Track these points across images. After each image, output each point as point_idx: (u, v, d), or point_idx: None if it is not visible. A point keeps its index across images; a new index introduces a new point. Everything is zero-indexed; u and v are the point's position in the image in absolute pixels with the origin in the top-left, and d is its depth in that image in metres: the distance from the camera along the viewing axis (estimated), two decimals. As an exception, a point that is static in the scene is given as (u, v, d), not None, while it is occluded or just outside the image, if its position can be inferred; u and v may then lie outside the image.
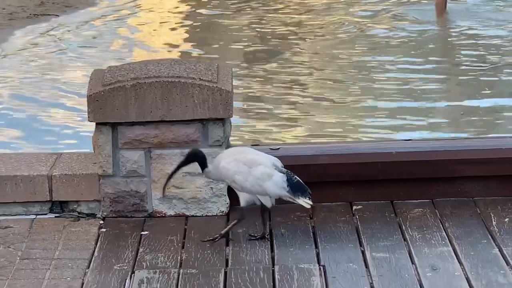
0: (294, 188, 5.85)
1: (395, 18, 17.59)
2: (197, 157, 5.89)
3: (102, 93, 6.30)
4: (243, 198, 5.99)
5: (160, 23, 17.88)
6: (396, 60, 14.11)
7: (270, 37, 16.56)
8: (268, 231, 6.02)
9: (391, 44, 15.43)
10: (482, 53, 14.77)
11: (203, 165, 5.88)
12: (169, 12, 18.68)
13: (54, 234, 6.14)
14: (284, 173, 5.88)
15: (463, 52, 15.17)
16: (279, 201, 6.21)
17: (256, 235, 5.99)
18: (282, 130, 11.18)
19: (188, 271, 5.58)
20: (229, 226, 6.00)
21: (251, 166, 5.86)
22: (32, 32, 16.46)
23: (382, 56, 14.62)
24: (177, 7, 19.02)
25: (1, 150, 9.65)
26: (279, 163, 5.95)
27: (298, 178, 5.91)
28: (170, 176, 6.01)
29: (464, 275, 5.46)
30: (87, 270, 5.63)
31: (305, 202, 5.91)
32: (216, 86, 6.32)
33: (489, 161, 6.60)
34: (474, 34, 16.19)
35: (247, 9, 18.40)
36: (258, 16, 18.18)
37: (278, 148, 6.97)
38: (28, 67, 14.28)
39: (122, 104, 6.28)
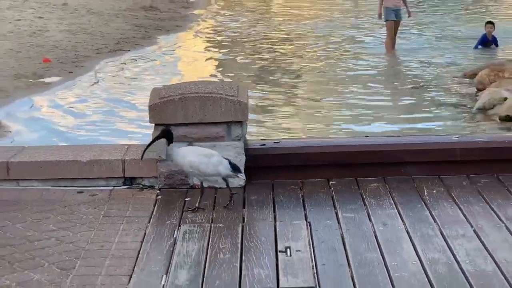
0: (234, 168, 5.90)
1: (351, 53, 17.67)
2: (168, 134, 5.90)
3: (159, 103, 6.29)
4: (196, 180, 6.11)
5: (198, 57, 18.03)
6: (356, 86, 14.21)
7: (268, 63, 16.68)
8: (199, 204, 5.93)
9: (346, 74, 15.50)
10: (418, 79, 14.83)
11: (170, 140, 5.89)
12: (203, 50, 18.89)
13: (126, 200, 6.14)
14: (227, 159, 5.92)
15: (406, 77, 15.23)
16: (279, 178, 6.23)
17: (191, 208, 5.92)
18: (282, 128, 11.23)
19: (217, 225, 5.57)
20: (229, 193, 6.01)
21: (210, 157, 5.88)
22: (111, 61, 16.53)
23: (346, 82, 14.75)
24: (207, 48, 19.26)
25: (91, 142, 9.71)
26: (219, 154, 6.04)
27: (234, 162, 5.98)
28: (148, 146, 6.03)
29: (405, 229, 5.45)
30: (148, 224, 5.63)
31: (241, 176, 6.05)
32: (237, 99, 6.30)
33: (423, 152, 6.58)
34: (414, 65, 16.25)
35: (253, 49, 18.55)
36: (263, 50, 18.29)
37: (279, 141, 6.98)
38: (105, 86, 14.34)
39: (172, 111, 6.27)
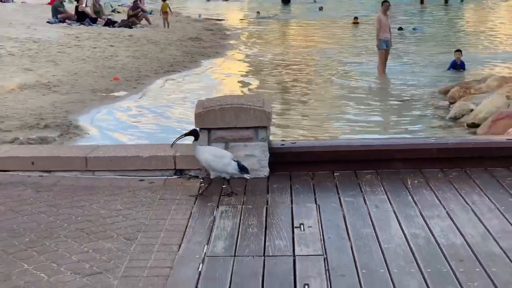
0: (241, 169, 5.82)
1: (349, 75, 17.61)
2: (195, 133, 5.93)
3: (203, 112, 6.30)
4: (213, 174, 6.00)
5: (231, 76, 18.05)
6: (352, 102, 14.19)
7: (286, 86, 16.65)
8: (232, 190, 5.89)
9: (347, 92, 15.44)
10: (403, 96, 14.78)
11: (196, 138, 5.91)
12: (233, 71, 18.93)
13: (177, 186, 6.15)
14: (236, 161, 5.86)
15: (393, 95, 15.17)
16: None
17: (227, 193, 5.88)
18: (296, 132, 11.21)
19: (247, 207, 5.57)
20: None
21: (221, 158, 5.84)
22: (165, 80, 16.58)
23: (344, 99, 14.68)
24: (236, 70, 19.30)
25: (150, 142, 9.74)
26: (232, 155, 5.93)
27: (243, 164, 5.89)
28: (177, 139, 5.97)
29: (393, 211, 5.42)
30: (193, 205, 5.64)
31: (247, 176, 5.90)
32: (263, 109, 6.29)
33: (407, 151, 6.54)
34: (399, 85, 16.16)
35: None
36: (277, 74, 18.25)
37: (295, 142, 6.97)
38: (160, 98, 14.38)
39: (213, 119, 6.28)
